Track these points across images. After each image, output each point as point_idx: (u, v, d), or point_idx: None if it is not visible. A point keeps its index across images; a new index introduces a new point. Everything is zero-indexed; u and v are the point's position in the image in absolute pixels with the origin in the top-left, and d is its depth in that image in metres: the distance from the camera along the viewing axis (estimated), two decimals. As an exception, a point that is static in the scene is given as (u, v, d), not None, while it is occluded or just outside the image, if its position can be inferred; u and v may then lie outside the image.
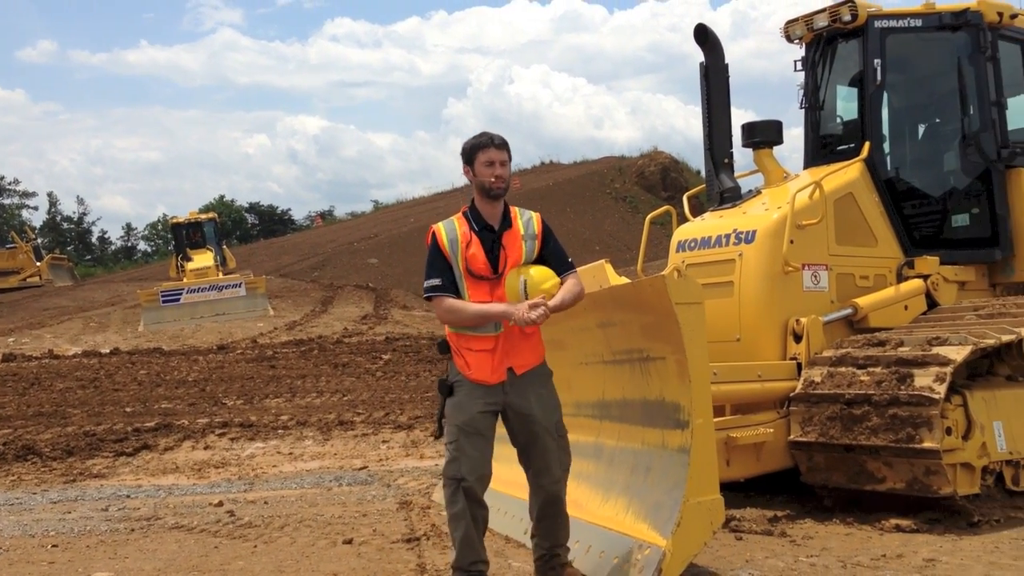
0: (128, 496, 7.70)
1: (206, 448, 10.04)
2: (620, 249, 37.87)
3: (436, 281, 4.32)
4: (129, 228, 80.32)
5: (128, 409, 12.61)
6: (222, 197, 75.63)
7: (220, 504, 7.07)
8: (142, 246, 78.25)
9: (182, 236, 30.92)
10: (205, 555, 5.56)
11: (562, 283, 4.36)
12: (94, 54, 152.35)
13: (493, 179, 4.33)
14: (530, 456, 4.39)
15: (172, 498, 7.58)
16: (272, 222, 74.52)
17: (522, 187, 52.21)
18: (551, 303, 4.23)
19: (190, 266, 28.96)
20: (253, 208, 77.04)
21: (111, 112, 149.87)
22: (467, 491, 4.25)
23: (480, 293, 4.32)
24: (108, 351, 20.25)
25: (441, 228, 4.40)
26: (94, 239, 77.37)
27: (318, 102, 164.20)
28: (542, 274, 4.35)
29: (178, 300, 27.20)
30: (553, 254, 4.45)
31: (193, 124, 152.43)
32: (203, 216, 32.29)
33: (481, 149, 4.37)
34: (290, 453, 9.64)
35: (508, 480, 5.98)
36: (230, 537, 6.03)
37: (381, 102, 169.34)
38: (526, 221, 4.46)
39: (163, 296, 27.33)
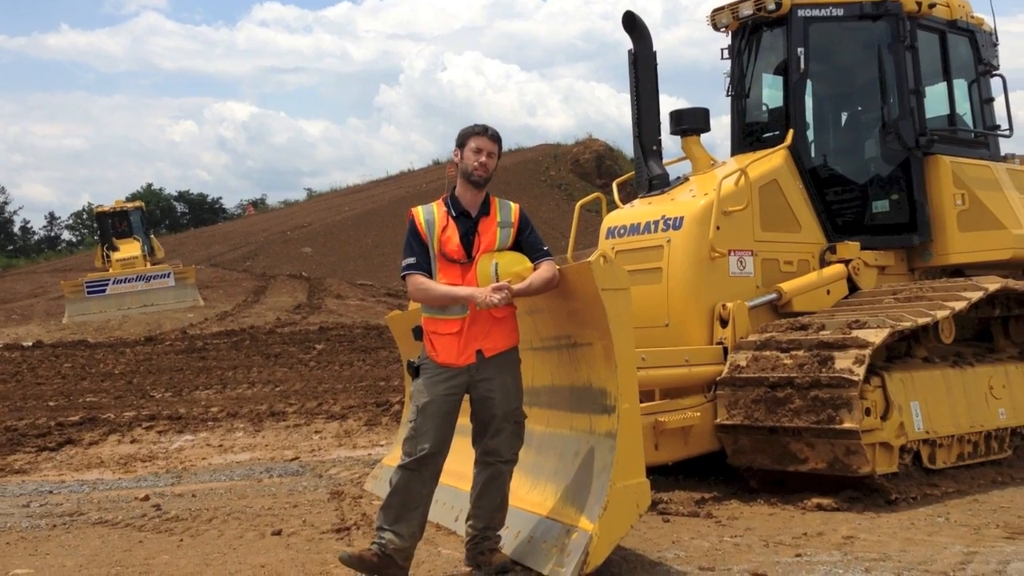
0: (50, 492, 7.50)
1: (132, 442, 9.84)
2: (556, 237, 37.98)
3: (411, 260, 4.48)
4: (52, 217, 78.15)
5: (51, 403, 12.30)
6: (150, 186, 73.93)
7: (146, 498, 6.93)
8: (66, 236, 76.11)
9: (108, 225, 30.16)
10: (129, 550, 5.45)
11: (535, 269, 4.47)
12: (12, 37, 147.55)
13: (476, 165, 4.48)
14: (483, 436, 4.52)
15: (96, 493, 7.41)
16: (202, 211, 73.07)
17: (456, 175, 52.08)
18: (518, 286, 4.36)
19: (116, 256, 28.27)
20: (182, 197, 75.43)
21: (30, 98, 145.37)
22: (408, 465, 4.39)
23: (452, 275, 4.44)
24: (31, 344, 19.72)
25: (419, 210, 4.58)
26: (15, 229, 75.02)
27: (247, 88, 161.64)
28: (514, 259, 4.49)
29: (104, 291, 26.58)
30: (528, 242, 4.57)
31: (117, 110, 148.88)
32: (129, 205, 31.52)
33: (474, 136, 4.53)
34: (220, 445, 9.50)
35: (444, 469, 5.99)
36: (155, 531, 5.92)
37: (312, 88, 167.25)
38: (504, 210, 4.60)
39: (88, 287, 26.70)
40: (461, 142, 4.56)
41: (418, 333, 4.62)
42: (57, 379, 14.67)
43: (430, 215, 4.54)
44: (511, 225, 4.56)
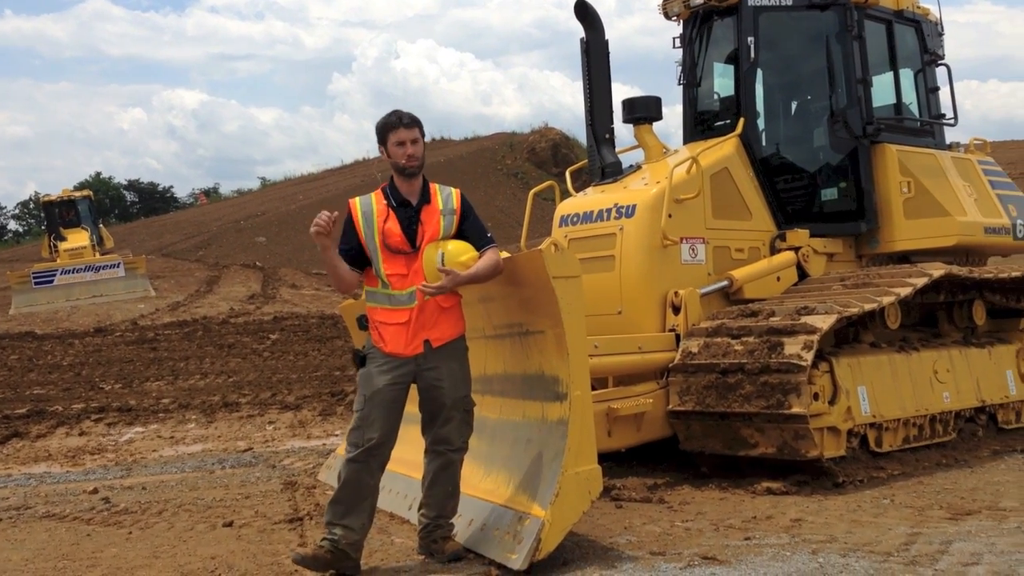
0: (-5, 486, 7.36)
1: (81, 434, 9.68)
2: (512, 225, 37.99)
3: (341, 246, 4.46)
4: (-2, 207, 76.24)
5: (-3, 396, 12.05)
6: (99, 174, 72.46)
7: (95, 491, 6.83)
8: (12, 226, 74.38)
9: (55, 215, 29.54)
10: (76, 543, 5.37)
11: (481, 256, 4.45)
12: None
13: (405, 158, 4.43)
14: (433, 425, 4.52)
15: (44, 486, 7.29)
16: (153, 200, 71.85)
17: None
18: (464, 274, 4.34)
19: (64, 246, 27.72)
20: (132, 185, 74.11)
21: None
22: (356, 458, 4.35)
23: (396, 266, 4.40)
24: (-25, 336, 19.27)
25: (357, 202, 4.54)
26: (-40, 218, 73.17)
27: (196, 75, 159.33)
28: (459, 247, 4.44)
29: (51, 281, 26.06)
30: (472, 229, 4.54)
31: (64, 98, 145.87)
32: (77, 194, 30.84)
33: (391, 130, 4.46)
34: (171, 437, 9.39)
35: (395, 458, 5.98)
36: (104, 524, 5.84)
37: (264, 76, 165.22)
38: (445, 197, 4.55)
39: (35, 277, 26.15)
40: (381, 138, 4.51)
41: (363, 322, 4.59)
42: (3, 371, 14.37)
43: (368, 207, 4.49)
44: (454, 212, 4.53)
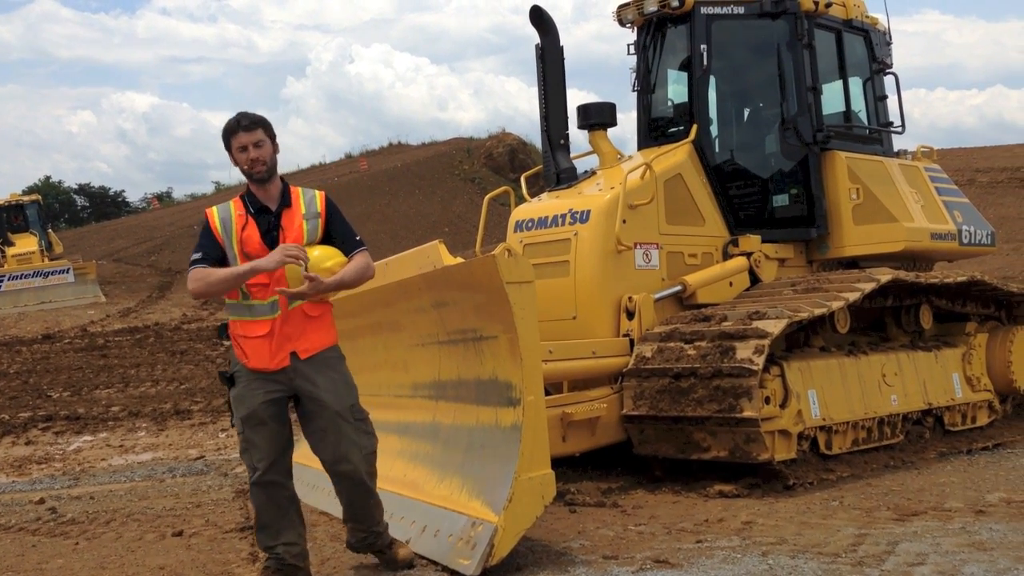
0: (-63, 497, 7.18)
1: (28, 443, 9.49)
2: (469, 231, 37.97)
3: (197, 255, 4.15)
4: (-56, 211, 74.60)
5: (-60, 405, 11.76)
6: (48, 178, 71.04)
7: (41, 501, 6.69)
8: (-41, 230, 72.79)
9: (2, 220, 28.88)
10: (21, 554, 5.26)
11: (349, 262, 4.21)
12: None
13: (248, 163, 4.17)
14: (325, 443, 4.22)
15: (-13, 497, 7.12)
16: (104, 204, 70.60)
17: (369, 168, 51.58)
18: (328, 280, 4.07)
19: (11, 251, 27.17)
20: (83, 190, 72.81)
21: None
22: (258, 482, 4.15)
23: (259, 276, 4.09)
24: (-81, 343, 18.80)
25: (214, 210, 4.26)
26: (-97, 223, 71.41)
27: (148, 79, 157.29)
28: (325, 253, 4.19)
29: (-1, 287, 25.53)
30: (340, 233, 4.29)
31: (10, 100, 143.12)
32: (25, 198, 30.21)
33: (232, 135, 4.20)
34: (121, 446, 9.23)
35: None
36: (50, 535, 5.73)
37: (216, 79, 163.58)
38: (308, 200, 4.29)
39: (-18, 283, 25.58)
40: (226, 144, 4.24)
41: (223, 331, 4.29)
42: (-53, 379, 14.04)
43: (226, 213, 4.20)
44: (318, 216, 4.25)
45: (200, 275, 4.10)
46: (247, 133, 4.17)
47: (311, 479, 6.19)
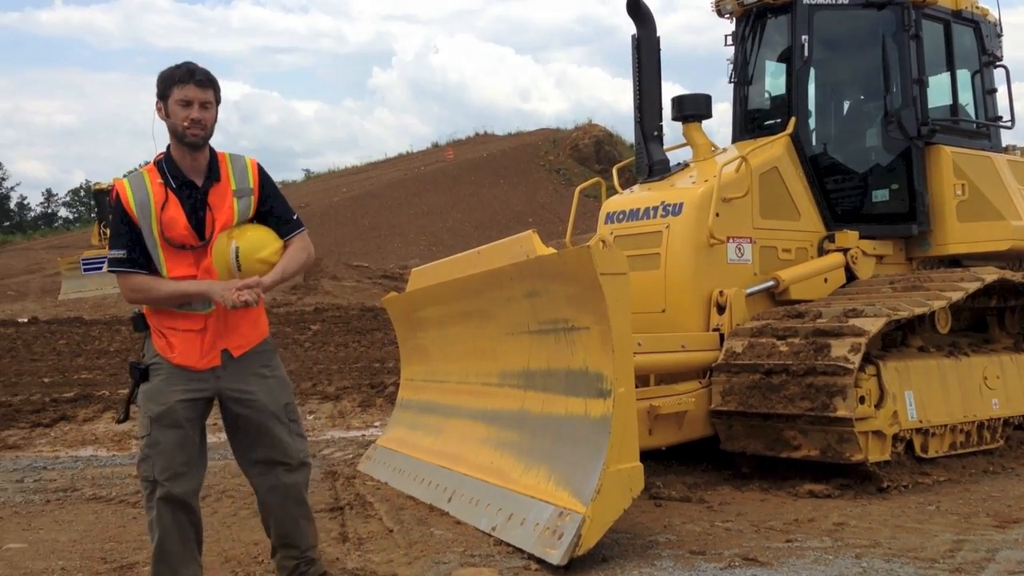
0: (44, 468, 7.52)
1: (128, 419, 9.82)
2: (553, 221, 37.99)
3: (121, 253, 3.53)
4: (49, 194, 78.02)
5: (46, 379, 12.29)
6: (147, 163, 73.62)
7: (140, 475, 6.93)
8: (63, 213, 75.97)
9: (105, 203, 29.99)
10: (123, 526, 5.46)
11: (286, 247, 3.69)
12: (5, 13, 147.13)
13: (187, 123, 3.51)
14: (257, 448, 3.72)
15: (90, 469, 7.42)
16: (200, 190, 72.71)
17: (455, 158, 51.97)
18: (267, 279, 3.58)
19: (113, 233, 28.16)
20: (180, 175, 75.09)
21: (24, 73, 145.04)
22: (164, 497, 3.52)
23: (181, 266, 3.55)
24: (26, 320, 19.68)
25: (126, 186, 3.55)
26: (12, 205, 74.84)
27: (241, 68, 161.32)
28: (259, 239, 3.64)
29: (100, 268, 26.43)
30: (275, 213, 3.71)
31: (111, 88, 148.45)
32: (126, 182, 31.33)
33: (177, 84, 3.52)
34: (215, 424, 9.49)
35: (435, 450, 6.02)
36: (149, 508, 5.92)
37: (306, 69, 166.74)
38: (239, 171, 3.67)
39: (84, 264, 26.60)
40: (162, 92, 3.54)
41: (140, 323, 3.67)
42: (52, 356, 14.66)
43: (142, 191, 3.52)
44: (250, 192, 3.64)
45: (139, 287, 3.55)
46: (199, 88, 3.54)
47: (398, 463, 6.30)
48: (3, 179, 74.26)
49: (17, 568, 4.61)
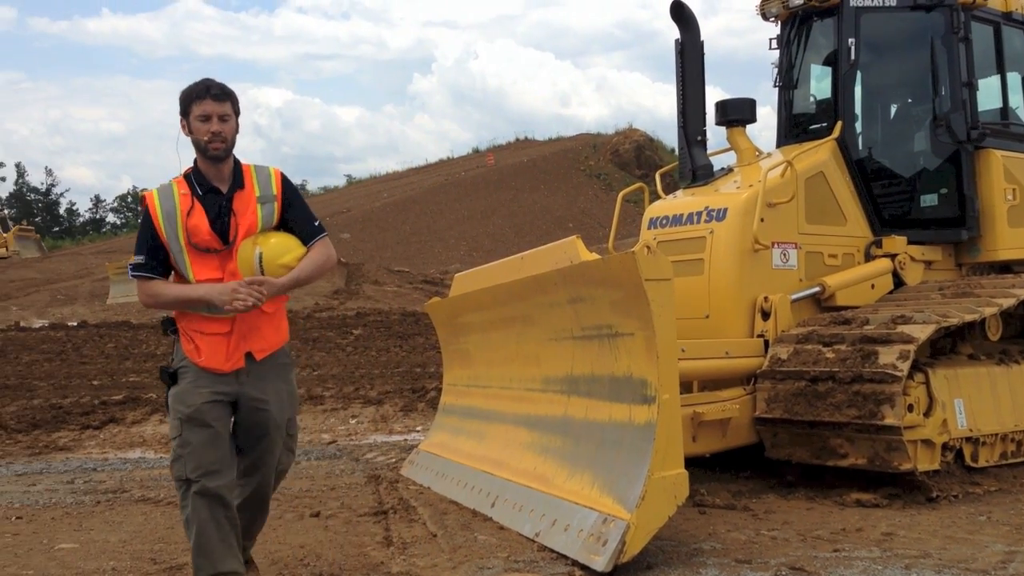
0: (94, 469, 7.65)
1: (174, 421, 9.96)
2: (593, 226, 37.95)
3: (140, 259, 3.76)
4: (98, 200, 79.43)
5: (95, 382, 12.50)
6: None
7: (187, 477, 7.02)
8: (111, 218, 77.36)
9: (151, 209, 30.49)
10: (171, 527, 5.54)
11: (308, 253, 3.82)
12: (54, 21, 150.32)
13: (209, 137, 3.71)
14: (252, 450, 3.87)
15: (139, 471, 7.54)
16: (244, 195, 73.61)
17: (496, 163, 52.10)
18: (280, 280, 3.72)
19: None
20: (224, 181, 76.09)
21: (73, 81, 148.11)
22: (199, 492, 3.66)
23: (207, 269, 3.72)
24: (75, 324, 20.06)
25: (155, 196, 3.77)
26: (62, 211, 76.39)
27: (283, 75, 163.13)
28: (282, 245, 3.79)
29: (147, 273, 26.88)
30: (298, 219, 3.87)
31: (158, 95, 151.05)
32: (173, 188, 31.81)
33: (196, 100, 3.73)
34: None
35: (471, 453, 6.03)
36: (197, 509, 6.00)
37: (347, 76, 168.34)
38: (263, 180, 3.85)
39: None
40: (184, 109, 3.76)
41: (169, 326, 3.87)
42: (101, 359, 14.90)
43: (169, 201, 3.74)
44: (274, 199, 3.81)
45: (150, 291, 3.76)
46: (216, 103, 3.73)
47: (441, 468, 6.32)
48: (53, 186, 75.81)
49: (69, 568, 4.70)
